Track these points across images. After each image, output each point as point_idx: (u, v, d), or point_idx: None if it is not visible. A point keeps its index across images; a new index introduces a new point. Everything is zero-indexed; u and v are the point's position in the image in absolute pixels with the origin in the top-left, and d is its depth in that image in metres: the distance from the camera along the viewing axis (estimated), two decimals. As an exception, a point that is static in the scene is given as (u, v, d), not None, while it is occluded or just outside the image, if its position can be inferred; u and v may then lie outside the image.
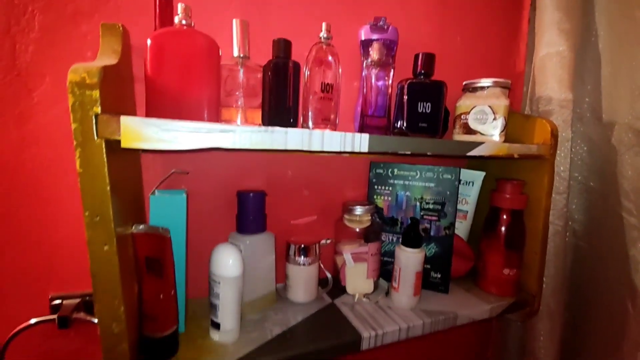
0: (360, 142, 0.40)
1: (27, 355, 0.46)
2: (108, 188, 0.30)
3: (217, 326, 0.42)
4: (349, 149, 0.40)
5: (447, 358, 0.79)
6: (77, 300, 0.46)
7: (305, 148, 0.37)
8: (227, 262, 0.41)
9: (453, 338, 0.78)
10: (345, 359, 0.67)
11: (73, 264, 0.47)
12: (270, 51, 0.46)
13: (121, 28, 0.40)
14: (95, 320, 0.45)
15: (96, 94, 0.29)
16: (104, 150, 0.30)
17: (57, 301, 0.46)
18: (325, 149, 0.38)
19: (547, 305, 0.63)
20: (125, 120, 0.30)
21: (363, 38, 0.56)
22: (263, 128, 0.35)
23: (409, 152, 0.44)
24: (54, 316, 0.44)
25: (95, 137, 0.30)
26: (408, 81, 0.51)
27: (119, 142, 0.30)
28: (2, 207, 0.43)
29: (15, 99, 0.42)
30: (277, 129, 0.36)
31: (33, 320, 0.44)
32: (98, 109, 0.29)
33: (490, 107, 0.54)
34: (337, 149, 0.39)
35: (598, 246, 0.65)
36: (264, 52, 0.48)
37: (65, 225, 0.46)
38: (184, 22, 0.38)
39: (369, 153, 0.42)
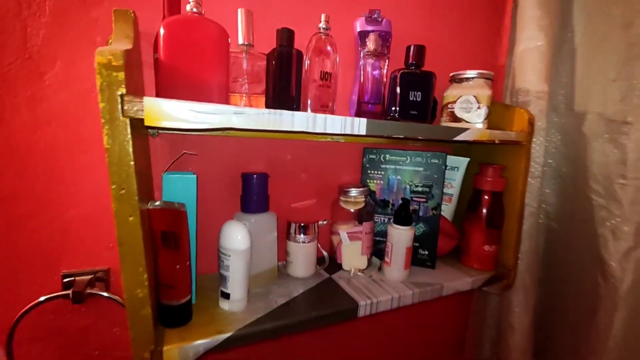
0: (359, 125, 0.44)
1: (40, 331, 0.48)
2: (132, 163, 0.33)
3: (227, 296, 0.45)
4: (348, 132, 0.44)
5: (432, 327, 0.85)
6: (90, 277, 0.49)
7: (310, 130, 0.41)
8: (237, 236, 0.44)
9: (438, 309, 0.84)
10: (343, 325, 0.72)
11: (85, 242, 0.49)
12: (269, 40, 0.49)
13: (133, 14, 0.42)
14: (107, 295, 0.48)
15: (122, 75, 0.31)
16: (129, 128, 0.32)
17: (70, 278, 0.48)
18: (327, 131, 0.42)
19: (522, 279, 0.69)
20: (148, 100, 0.33)
21: (359, 29, 0.59)
22: (272, 110, 0.38)
23: (402, 136, 0.48)
24: (69, 291, 0.46)
25: (121, 116, 0.32)
26: (400, 71, 0.55)
27: (140, 120, 0.33)
28: (15, 186, 0.45)
29: (27, 82, 0.43)
30: (285, 111, 0.39)
31: (44, 297, 0.46)
32: (123, 90, 0.32)
33: (475, 96, 0.59)
34: (339, 131, 0.43)
35: (569, 226, 0.72)
36: (265, 40, 0.50)
37: (78, 204, 0.48)
38: (195, 10, 0.41)
39: (365, 136, 0.46)
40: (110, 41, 0.44)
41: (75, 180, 0.47)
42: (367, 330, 0.76)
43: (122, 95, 0.32)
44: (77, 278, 0.48)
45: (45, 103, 0.45)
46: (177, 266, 0.40)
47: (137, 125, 0.34)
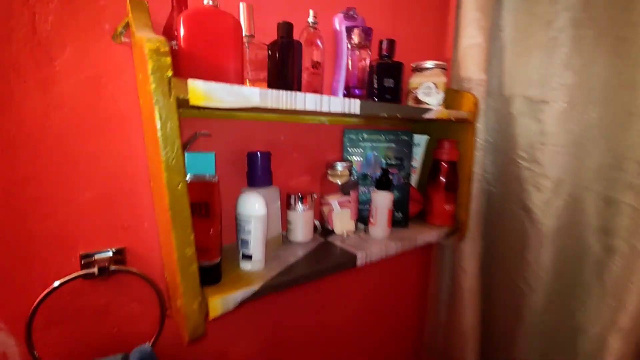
0: (355, 105, 0.53)
1: (60, 313, 0.49)
2: (179, 137, 0.38)
3: (249, 258, 0.51)
4: (346, 111, 0.52)
5: (405, 274, 0.99)
6: (109, 255, 0.51)
7: (318, 109, 0.49)
8: (255, 204, 0.50)
9: (408, 260, 0.98)
10: (337, 276, 0.81)
11: (100, 223, 0.51)
12: (264, 31, 0.55)
13: (147, 4, 0.45)
14: (131, 269, 0.51)
15: (169, 60, 0.36)
16: (176, 106, 0.37)
17: (88, 259, 0.50)
18: (331, 110, 0.50)
19: (472, 231, 0.86)
20: (192, 82, 0.38)
21: (337, 25, 0.68)
22: (289, 92, 0.45)
23: (385, 115, 0.58)
24: (92, 269, 0.48)
25: (170, 96, 0.37)
26: (377, 61, 0.65)
27: (186, 101, 0.38)
28: (29, 170, 0.45)
29: (37, 67, 0.44)
30: (299, 93, 0.46)
31: (62, 280, 0.47)
32: (170, 73, 0.36)
33: (434, 83, 0.72)
34: (339, 111, 0.51)
35: (503, 187, 0.90)
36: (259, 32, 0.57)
37: (92, 187, 0.50)
38: (211, 3, 0.46)
39: (349, 116, 0.54)
40: (119, 29, 0.47)
41: (89, 164, 0.49)
42: (357, 279, 0.87)
43: (169, 78, 0.36)
44: (96, 257, 0.50)
45: (56, 88, 0.46)
46: (211, 231, 0.46)
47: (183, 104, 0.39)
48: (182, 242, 0.40)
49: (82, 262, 0.50)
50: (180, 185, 0.39)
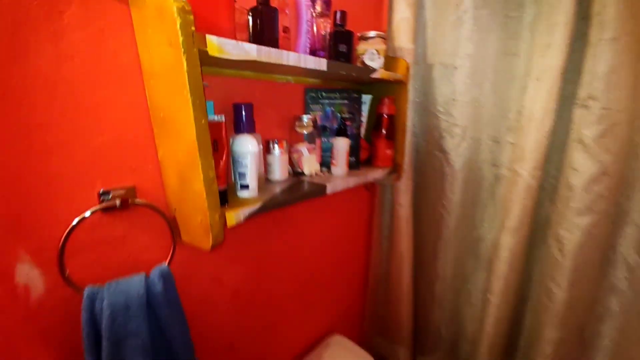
0: (323, 64, 0.67)
1: (83, 243, 0.57)
2: (201, 81, 0.48)
3: (246, 187, 0.64)
4: (317, 67, 0.67)
5: (356, 206, 1.21)
6: (124, 191, 0.59)
7: (300, 65, 0.62)
8: (249, 143, 0.63)
9: (361, 196, 1.20)
10: (314, 203, 0.99)
11: (112, 165, 0.58)
12: None
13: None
14: (148, 202, 0.60)
15: (192, 17, 0.46)
16: (198, 56, 0.48)
17: (105, 195, 0.57)
18: (308, 66, 0.64)
19: (406, 172, 1.09)
20: (209, 37, 0.48)
21: (299, -5, 0.79)
22: (277, 50, 0.58)
23: (344, 73, 0.74)
24: (114, 202, 0.56)
25: (194, 47, 0.47)
26: (334, 29, 0.80)
27: (205, 52, 0.48)
28: (46, 116, 0.50)
29: (47, 19, 0.49)
30: (284, 51, 0.59)
31: (92, 209, 0.55)
32: (194, 28, 0.46)
33: (376, 50, 0.89)
34: (312, 67, 0.65)
35: (425, 136, 1.14)
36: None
37: (103, 133, 0.56)
38: (207, -29, 0.54)
39: (321, 74, 0.69)
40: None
41: (97, 112, 0.55)
42: (324, 209, 1.04)
43: (193, 32, 0.46)
44: (112, 193, 0.58)
45: (66, 40, 0.51)
46: (220, 162, 0.57)
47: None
48: (207, 166, 0.51)
49: (101, 199, 0.57)
50: (203, 121, 0.50)
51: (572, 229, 0.82)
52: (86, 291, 0.53)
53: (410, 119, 1.07)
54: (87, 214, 0.54)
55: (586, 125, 0.77)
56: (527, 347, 1.02)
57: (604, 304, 0.90)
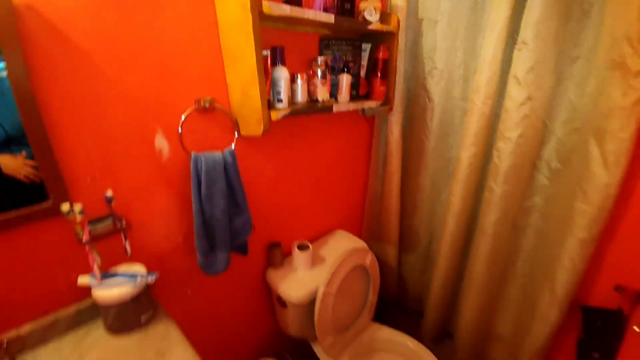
0: (331, 18, 1.00)
1: (189, 126, 0.96)
2: (260, 30, 0.83)
3: (281, 101, 1.01)
4: (327, 21, 1.00)
5: (358, 133, 1.58)
6: (209, 99, 0.97)
7: (317, 19, 0.95)
8: (284, 71, 0.98)
9: (360, 125, 1.56)
10: (325, 120, 1.36)
11: (204, 83, 0.95)
12: None
13: (224, -44, 0.85)
14: (223, 108, 0.98)
15: (255, -10, 0.80)
16: (258, 14, 0.82)
17: (198, 103, 0.95)
18: (321, 20, 0.97)
19: (396, 106, 1.43)
20: (264, 2, 0.82)
21: (317, -34, 1.10)
22: (302, 9, 0.91)
23: (347, 24, 1.06)
24: (206, 104, 0.94)
25: (256, 8, 0.81)
26: (341, -9, 1.10)
27: (261, 11, 0.83)
28: (165, 57, 0.87)
29: (170, -9, 0.84)
30: (306, 9, 0.92)
31: (189, 110, 0.93)
32: (255, -4, 0.81)
33: (374, 7, 1.19)
34: (325, 20, 0.98)
35: (414, 79, 1.46)
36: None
37: (195, 67, 0.93)
38: (259, -43, 0.87)
39: (330, 26, 1.02)
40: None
41: (193, 55, 0.92)
42: (333, 127, 1.42)
43: (255, -1, 0.81)
44: (202, 100, 0.96)
45: (169, 8, 0.86)
46: (267, 82, 0.94)
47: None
48: (262, 82, 0.88)
49: (196, 104, 0.95)
50: (260, 54, 0.86)
51: (506, 140, 1.16)
52: (192, 156, 0.94)
53: (403, 65, 1.39)
54: (189, 111, 0.93)
55: (518, 64, 1.07)
56: (476, 235, 1.41)
57: (532, 201, 1.26)
